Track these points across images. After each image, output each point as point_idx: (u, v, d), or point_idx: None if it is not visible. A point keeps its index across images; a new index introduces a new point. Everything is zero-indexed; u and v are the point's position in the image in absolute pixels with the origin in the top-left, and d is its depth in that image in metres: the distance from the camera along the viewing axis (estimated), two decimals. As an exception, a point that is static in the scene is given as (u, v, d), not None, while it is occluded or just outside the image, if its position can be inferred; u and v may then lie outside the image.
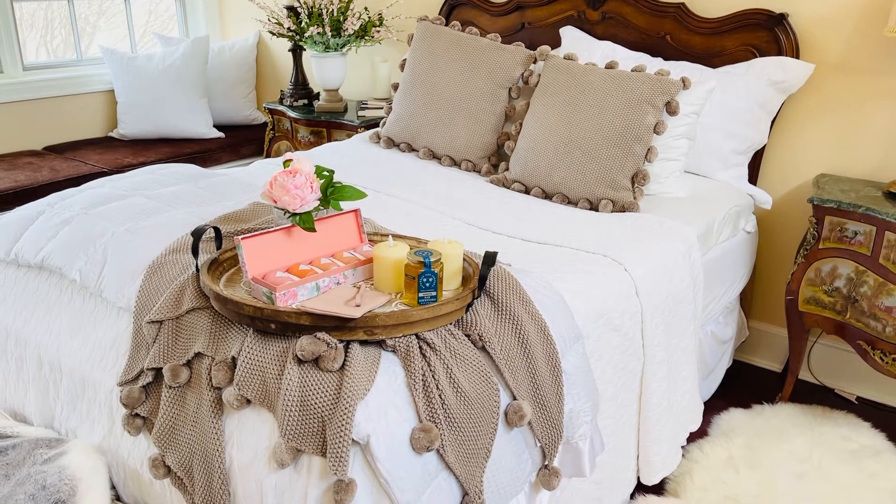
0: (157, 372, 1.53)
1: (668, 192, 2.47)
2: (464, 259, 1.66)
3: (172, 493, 1.51)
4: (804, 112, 2.69)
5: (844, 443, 2.42)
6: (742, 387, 2.83)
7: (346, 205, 1.95)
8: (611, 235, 2.13)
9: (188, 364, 1.50)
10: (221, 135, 3.92)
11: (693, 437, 2.41)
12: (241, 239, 1.53)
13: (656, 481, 2.16)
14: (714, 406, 2.65)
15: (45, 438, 1.65)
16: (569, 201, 2.41)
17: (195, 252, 1.59)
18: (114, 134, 3.89)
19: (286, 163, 1.64)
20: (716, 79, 2.56)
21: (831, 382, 2.84)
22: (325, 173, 1.67)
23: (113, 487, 1.63)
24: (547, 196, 2.45)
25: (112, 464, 1.62)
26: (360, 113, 3.49)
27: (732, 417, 2.57)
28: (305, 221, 1.58)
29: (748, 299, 2.94)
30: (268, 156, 3.84)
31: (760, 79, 2.57)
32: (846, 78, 2.58)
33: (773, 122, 2.68)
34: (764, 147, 2.74)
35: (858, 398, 2.77)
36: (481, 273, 1.55)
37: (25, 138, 3.67)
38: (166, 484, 1.51)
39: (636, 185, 2.35)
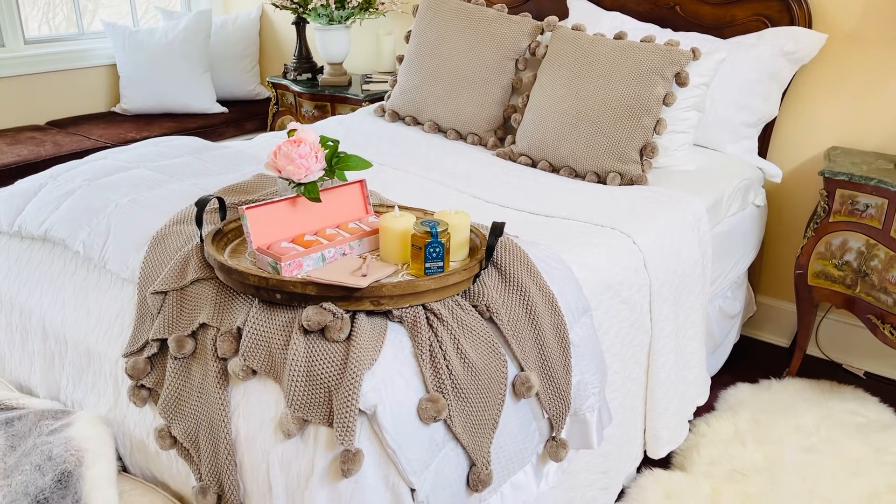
0: (162, 343, 1.52)
1: (677, 165, 2.44)
2: (471, 230, 1.64)
3: (179, 464, 1.50)
4: (816, 83, 2.64)
5: (852, 417, 2.41)
6: (749, 362, 2.82)
7: (351, 176, 1.93)
8: (619, 208, 2.11)
9: (193, 335, 1.48)
10: (225, 110, 3.88)
11: (700, 412, 2.40)
12: (246, 209, 1.51)
13: (663, 455, 2.15)
14: (721, 381, 2.64)
15: (50, 410, 1.65)
16: (576, 174, 2.38)
17: (199, 222, 1.57)
18: (116, 109, 3.86)
19: (290, 132, 1.62)
20: (726, 49, 2.52)
21: (839, 357, 2.83)
22: (330, 143, 1.64)
23: (119, 458, 1.63)
24: (554, 169, 2.42)
25: (118, 435, 1.62)
26: (365, 87, 3.46)
27: (739, 392, 2.56)
28: (310, 191, 1.56)
29: (756, 274, 2.91)
30: (271, 130, 3.81)
31: (772, 49, 2.53)
32: (859, 48, 2.53)
33: (784, 93, 2.64)
34: (774, 119, 2.70)
35: (866, 373, 2.76)
36: (489, 243, 1.53)
37: (28, 113, 3.64)
38: (172, 455, 1.50)
39: (644, 157, 2.31)
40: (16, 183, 2.07)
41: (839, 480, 2.12)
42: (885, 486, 2.10)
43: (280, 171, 1.57)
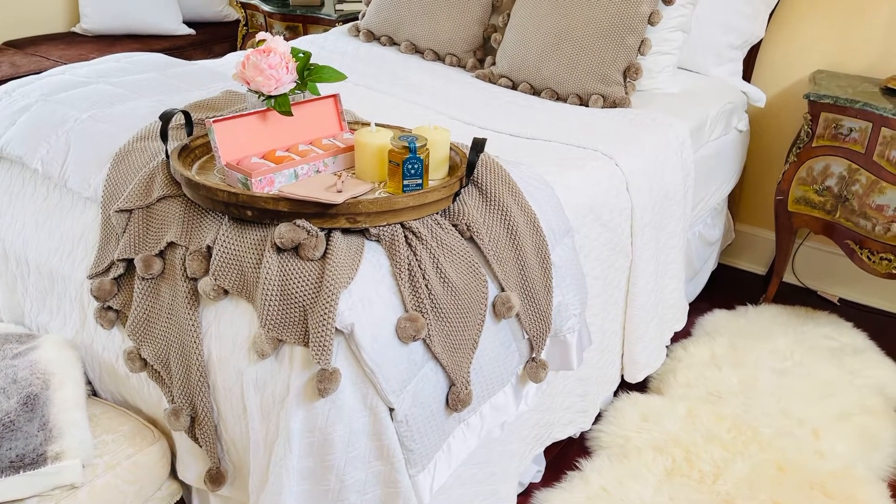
0: (129, 263, 1.46)
1: (661, 88, 2.38)
2: (451, 148, 1.58)
3: (150, 387, 1.46)
4: (804, 4, 2.57)
5: (826, 342, 2.44)
6: (726, 289, 2.83)
7: (324, 90, 1.84)
8: (601, 130, 2.05)
9: (161, 254, 1.42)
10: (192, 31, 3.71)
11: (677, 338, 2.41)
12: (213, 121, 1.43)
13: (640, 379, 2.16)
14: (698, 308, 2.65)
15: (14, 334, 1.59)
16: (558, 97, 2.31)
17: (164, 137, 1.49)
18: (76, 29, 3.67)
19: (259, 42, 1.53)
20: (714, -34, 2.43)
21: (814, 285, 2.85)
22: (301, 55, 1.56)
23: (89, 383, 1.59)
24: (535, 92, 2.34)
25: (86, 359, 1.57)
26: (339, 6, 3.31)
27: (716, 318, 2.57)
28: (281, 105, 1.48)
29: (735, 202, 2.90)
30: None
31: (761, -33, 2.44)
32: (850, -33, 2.46)
33: (770, 14, 2.57)
34: (760, 42, 2.64)
35: (840, 299, 2.78)
36: (469, 159, 1.47)
37: (-18, 32, 3.46)
38: (143, 377, 1.46)
39: (628, 79, 2.25)
40: (-32, 100, 1.95)
41: (812, 401, 2.15)
42: (857, 407, 2.13)
43: (249, 83, 1.48)
